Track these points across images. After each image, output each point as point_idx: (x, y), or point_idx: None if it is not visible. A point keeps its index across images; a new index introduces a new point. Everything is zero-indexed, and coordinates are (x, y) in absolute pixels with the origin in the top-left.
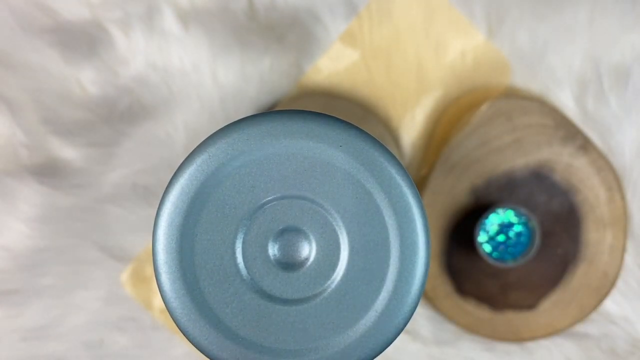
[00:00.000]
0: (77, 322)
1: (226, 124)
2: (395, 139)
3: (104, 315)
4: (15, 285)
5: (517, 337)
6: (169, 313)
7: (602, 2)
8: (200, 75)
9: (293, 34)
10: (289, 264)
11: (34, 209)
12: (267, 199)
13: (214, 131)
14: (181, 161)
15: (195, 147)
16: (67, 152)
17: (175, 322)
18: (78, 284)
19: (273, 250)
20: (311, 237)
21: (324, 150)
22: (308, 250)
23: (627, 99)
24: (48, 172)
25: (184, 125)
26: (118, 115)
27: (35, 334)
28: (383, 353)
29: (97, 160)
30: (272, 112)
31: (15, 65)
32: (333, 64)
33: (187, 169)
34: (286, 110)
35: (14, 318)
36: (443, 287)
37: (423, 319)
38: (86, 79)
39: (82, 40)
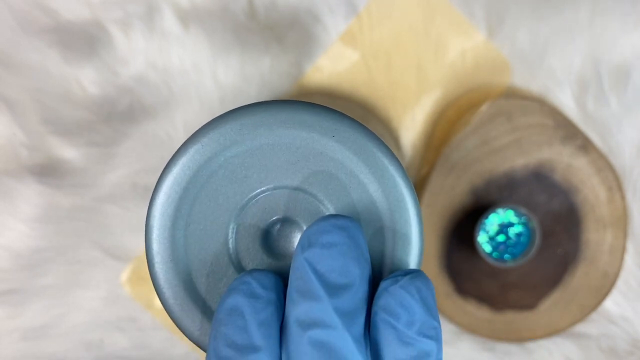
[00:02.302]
0: (77, 322)
1: (219, 114)
2: (395, 139)
3: (104, 315)
4: (15, 285)
5: (517, 337)
6: (162, 303)
7: (602, 2)
8: (200, 75)
9: (293, 34)
10: (282, 254)
11: (34, 209)
12: (260, 189)
13: None
14: None
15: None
16: (67, 152)
17: (167, 313)
18: (78, 284)
19: (266, 241)
20: (304, 227)
21: (317, 140)
22: None
23: (627, 99)
24: (48, 172)
25: (183, 125)
26: (118, 115)
27: (35, 334)
28: None
29: (97, 160)
30: (265, 102)
31: (15, 65)
32: (333, 64)
33: (180, 159)
34: (279, 100)
35: (14, 318)
36: (443, 287)
37: None
38: (86, 79)
39: (82, 40)
